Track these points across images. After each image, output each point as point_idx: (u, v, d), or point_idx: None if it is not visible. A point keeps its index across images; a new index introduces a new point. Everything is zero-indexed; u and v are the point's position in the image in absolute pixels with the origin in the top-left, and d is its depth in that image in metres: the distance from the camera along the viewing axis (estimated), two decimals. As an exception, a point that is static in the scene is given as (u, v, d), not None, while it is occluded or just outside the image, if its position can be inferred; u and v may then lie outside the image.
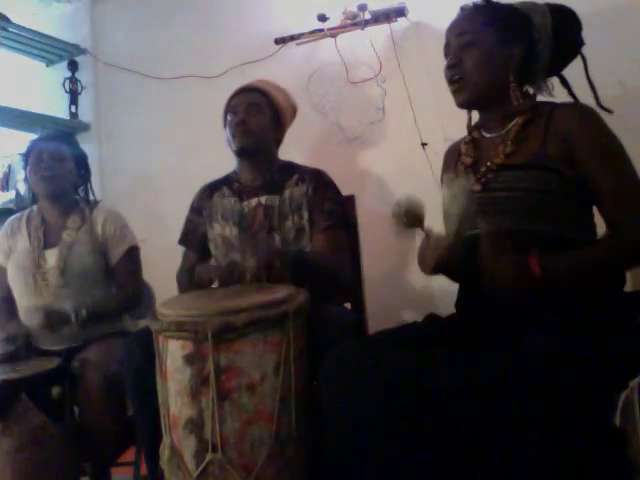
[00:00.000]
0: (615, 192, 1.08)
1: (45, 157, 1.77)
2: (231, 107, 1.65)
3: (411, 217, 1.13)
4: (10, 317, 1.78)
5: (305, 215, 1.57)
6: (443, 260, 1.13)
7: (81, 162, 1.90)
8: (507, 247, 1.05)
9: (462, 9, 1.23)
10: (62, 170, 1.79)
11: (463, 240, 1.11)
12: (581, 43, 1.22)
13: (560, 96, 1.26)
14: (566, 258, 1.06)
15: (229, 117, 1.64)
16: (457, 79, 1.19)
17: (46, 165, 1.76)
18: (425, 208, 1.14)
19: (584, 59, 1.23)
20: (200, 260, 1.67)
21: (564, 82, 1.27)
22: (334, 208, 1.58)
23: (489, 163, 1.18)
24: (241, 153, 1.63)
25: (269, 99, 1.65)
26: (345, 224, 1.63)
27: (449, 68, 1.20)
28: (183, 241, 1.73)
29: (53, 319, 1.61)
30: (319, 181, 1.61)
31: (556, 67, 1.25)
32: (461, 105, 1.23)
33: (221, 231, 1.63)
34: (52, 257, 1.74)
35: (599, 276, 1.08)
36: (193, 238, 1.70)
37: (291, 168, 1.66)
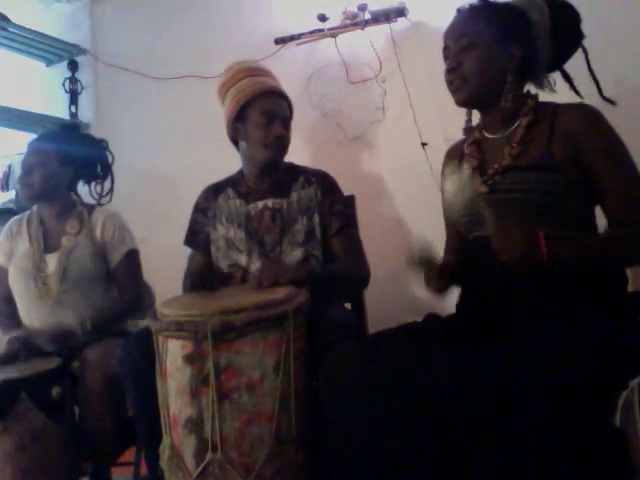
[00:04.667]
0: (618, 189, 1.09)
1: (25, 166, 1.76)
2: (266, 110, 1.54)
3: (424, 260, 1.18)
4: (11, 318, 1.78)
5: (316, 219, 1.56)
6: (447, 273, 1.19)
7: (78, 160, 1.84)
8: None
9: (459, 11, 1.22)
10: (39, 179, 1.74)
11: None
12: (581, 36, 1.21)
13: (562, 91, 1.26)
14: (572, 241, 1.05)
15: (260, 119, 1.54)
16: (457, 81, 1.19)
17: (22, 175, 1.76)
18: (435, 247, 1.20)
19: (585, 51, 1.23)
20: (207, 261, 1.63)
21: (566, 76, 1.26)
22: (343, 208, 1.59)
23: (496, 165, 1.16)
24: (268, 166, 1.59)
25: (291, 111, 1.64)
26: (355, 222, 1.66)
27: (449, 72, 1.20)
28: (190, 242, 1.69)
29: (61, 339, 1.61)
30: (326, 184, 1.61)
31: (557, 61, 1.24)
32: (460, 104, 1.22)
33: (225, 233, 1.60)
34: (52, 262, 1.73)
35: (600, 267, 1.07)
36: (200, 239, 1.66)
37: (296, 170, 1.65)
